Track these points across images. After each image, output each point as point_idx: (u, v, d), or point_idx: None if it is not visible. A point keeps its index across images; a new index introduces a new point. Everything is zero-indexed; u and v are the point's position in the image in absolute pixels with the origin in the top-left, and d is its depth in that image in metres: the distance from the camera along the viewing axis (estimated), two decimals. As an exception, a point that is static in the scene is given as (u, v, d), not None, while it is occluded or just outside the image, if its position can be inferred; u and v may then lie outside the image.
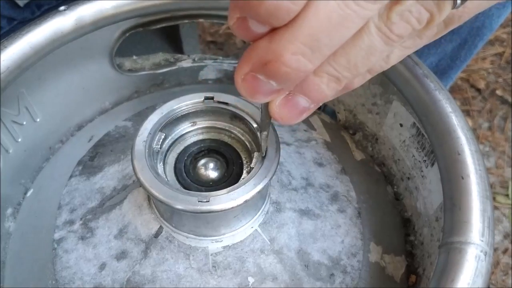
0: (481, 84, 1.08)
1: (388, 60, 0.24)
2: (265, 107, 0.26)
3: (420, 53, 0.61)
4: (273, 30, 0.20)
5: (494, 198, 0.85)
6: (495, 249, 0.85)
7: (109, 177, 0.37)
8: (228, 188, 0.29)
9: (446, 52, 0.61)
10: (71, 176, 0.39)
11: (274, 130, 0.32)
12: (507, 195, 0.86)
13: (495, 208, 0.85)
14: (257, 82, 0.21)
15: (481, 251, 0.26)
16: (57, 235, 0.36)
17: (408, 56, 0.36)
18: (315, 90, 0.22)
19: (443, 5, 0.21)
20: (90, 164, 0.39)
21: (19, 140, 0.40)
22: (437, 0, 0.20)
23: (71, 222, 0.36)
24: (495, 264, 0.81)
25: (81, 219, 0.36)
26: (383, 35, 0.21)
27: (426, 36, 0.24)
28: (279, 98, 0.23)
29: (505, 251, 0.80)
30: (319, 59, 0.20)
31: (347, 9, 0.19)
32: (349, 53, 0.21)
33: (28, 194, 0.40)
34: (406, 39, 0.22)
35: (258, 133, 0.31)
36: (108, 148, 0.40)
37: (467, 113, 1.03)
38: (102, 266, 0.33)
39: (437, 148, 0.32)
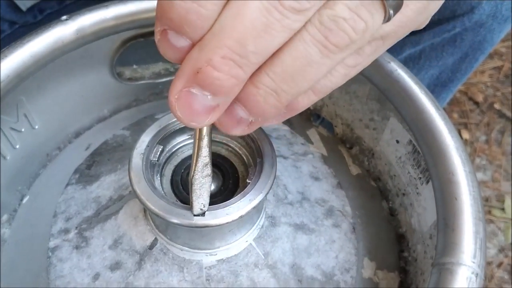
0: (479, 98, 1.09)
1: (331, 78, 0.23)
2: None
3: (421, 65, 0.61)
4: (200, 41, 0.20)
5: (489, 212, 0.85)
6: (490, 263, 0.85)
7: (105, 186, 0.37)
8: (224, 203, 0.29)
9: (447, 65, 0.61)
10: (67, 184, 0.39)
11: (271, 144, 0.32)
12: (502, 209, 0.86)
13: (490, 221, 0.85)
14: (192, 97, 0.20)
15: (472, 273, 0.27)
16: (52, 244, 0.36)
17: (405, 73, 0.36)
18: (252, 101, 0.22)
19: (376, 13, 0.20)
20: (87, 172, 0.39)
21: (17, 146, 0.40)
22: (369, 8, 0.20)
23: (66, 231, 0.36)
24: (489, 278, 0.81)
25: (76, 228, 0.36)
26: (319, 44, 0.20)
27: (365, 53, 0.23)
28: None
29: (499, 264, 0.80)
30: (249, 67, 0.20)
31: (270, 17, 0.19)
32: (285, 62, 0.20)
33: (24, 201, 0.40)
34: (346, 55, 0.21)
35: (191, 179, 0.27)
36: (105, 157, 0.40)
37: (464, 126, 1.04)
38: (96, 276, 0.33)
39: (431, 167, 0.32)
